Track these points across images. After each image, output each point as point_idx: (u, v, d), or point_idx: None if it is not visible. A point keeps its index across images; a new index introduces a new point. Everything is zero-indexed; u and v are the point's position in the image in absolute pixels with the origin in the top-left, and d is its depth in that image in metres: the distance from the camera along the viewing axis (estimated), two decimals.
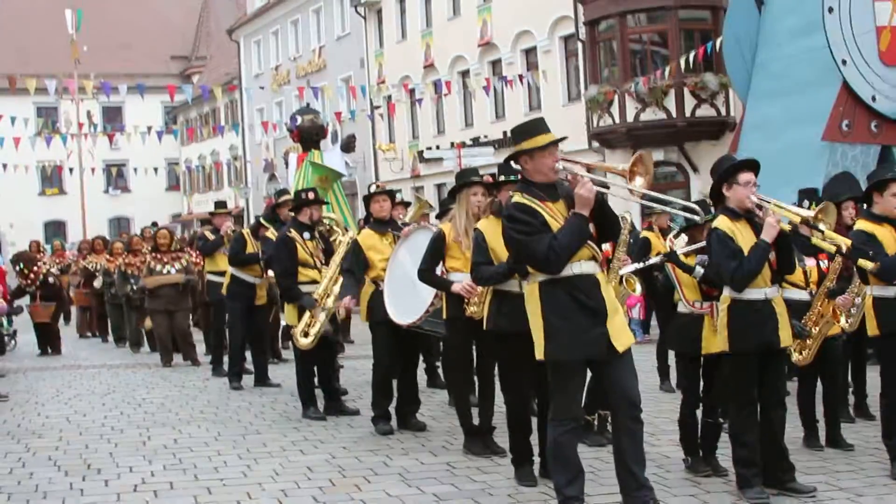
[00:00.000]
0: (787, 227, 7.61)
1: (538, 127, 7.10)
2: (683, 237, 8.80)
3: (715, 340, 8.26)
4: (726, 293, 7.83)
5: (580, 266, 6.95)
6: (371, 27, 43.81)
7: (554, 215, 6.97)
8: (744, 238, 7.65)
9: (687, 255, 8.56)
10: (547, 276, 6.94)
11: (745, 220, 7.75)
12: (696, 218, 8.02)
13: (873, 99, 15.95)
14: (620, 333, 7.04)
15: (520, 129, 7.17)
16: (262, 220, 15.00)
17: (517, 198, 7.06)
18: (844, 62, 15.78)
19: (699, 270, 8.33)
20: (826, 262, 9.41)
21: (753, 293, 7.69)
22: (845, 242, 8.05)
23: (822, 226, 7.60)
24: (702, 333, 8.45)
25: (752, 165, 7.81)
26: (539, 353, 7.06)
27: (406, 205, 14.51)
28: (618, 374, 7.06)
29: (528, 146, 7.03)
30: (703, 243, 8.35)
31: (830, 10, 15.68)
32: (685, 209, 7.99)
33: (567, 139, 7.52)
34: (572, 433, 7.13)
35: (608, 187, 7.07)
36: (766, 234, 7.57)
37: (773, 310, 7.76)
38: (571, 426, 7.11)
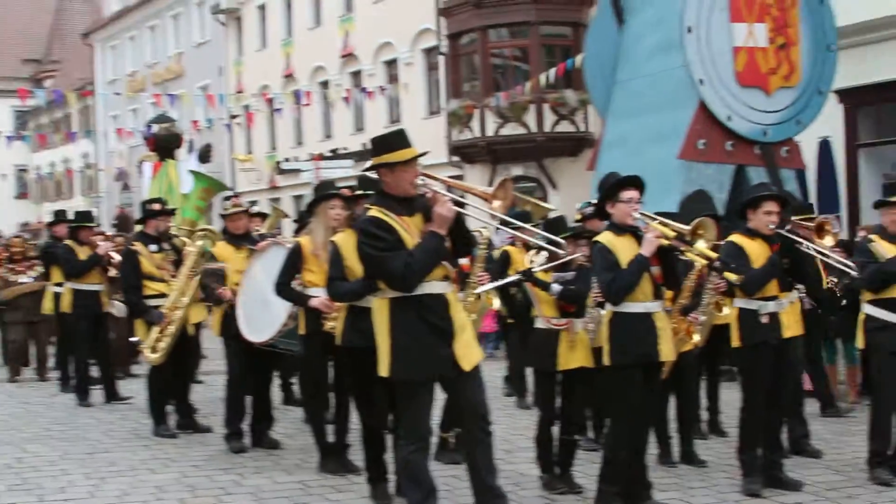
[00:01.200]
0: (667, 242, 7.64)
1: (400, 140, 6.98)
2: (544, 253, 8.76)
3: (572, 356, 8.37)
4: (608, 307, 7.89)
5: (431, 286, 6.88)
6: (231, 35, 43.34)
7: (409, 231, 6.87)
8: (625, 253, 7.71)
9: (546, 271, 8.54)
10: (398, 293, 6.85)
11: (630, 235, 7.82)
12: (560, 251, 7.98)
13: (729, 118, 16.18)
14: (468, 352, 6.98)
15: (381, 140, 7.04)
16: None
17: (373, 211, 6.93)
18: (702, 81, 15.97)
19: (555, 288, 8.34)
20: None
21: (633, 307, 7.74)
22: (712, 257, 8.15)
23: (700, 242, 7.67)
24: (558, 349, 8.44)
25: (636, 183, 7.88)
26: (384, 371, 6.97)
27: (263, 216, 14.31)
28: (466, 390, 7.01)
29: (389, 159, 6.91)
30: (563, 260, 8.36)
31: (689, 29, 15.86)
32: (549, 242, 7.96)
33: (428, 153, 7.41)
34: (421, 452, 7.05)
35: (464, 206, 7.01)
36: (644, 249, 7.65)
37: (654, 324, 7.81)
38: (420, 445, 7.02)
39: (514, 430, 11.09)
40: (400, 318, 6.86)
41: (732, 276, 8.41)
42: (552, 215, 8.93)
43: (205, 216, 15.46)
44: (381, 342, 6.98)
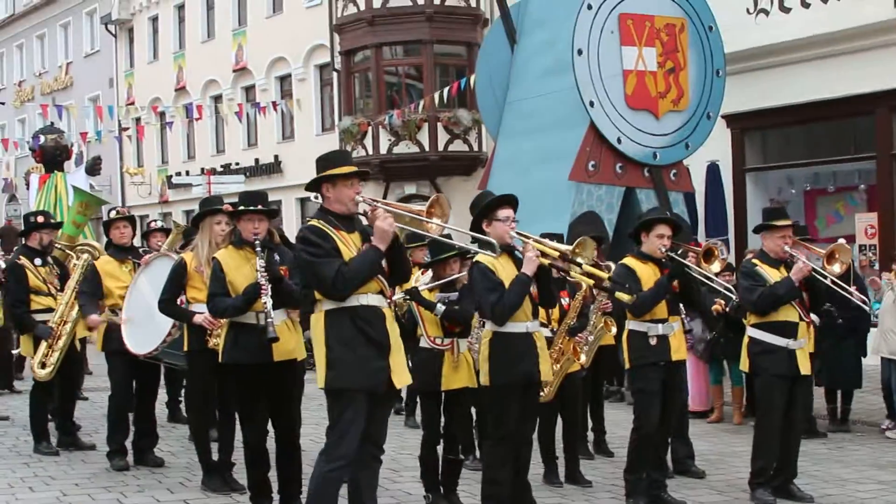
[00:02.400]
0: (546, 262, 7.66)
1: (342, 158, 7.18)
2: (429, 273, 8.77)
3: (455, 377, 8.40)
4: (488, 327, 7.88)
5: (367, 298, 6.90)
6: (122, 46, 42.70)
7: (347, 244, 6.92)
8: (505, 272, 7.71)
9: (431, 290, 8.53)
10: (334, 304, 6.85)
11: (507, 254, 7.81)
12: (492, 254, 7.93)
13: (619, 141, 16.33)
14: (401, 371, 7.03)
15: (324, 157, 7.13)
16: None
17: (313, 222, 7.01)
18: (592, 104, 16.10)
19: (440, 308, 8.34)
20: (567, 299, 9.53)
21: (515, 326, 7.75)
22: (601, 275, 8.20)
23: (580, 260, 7.69)
24: (442, 369, 8.45)
25: (511, 201, 7.89)
26: (320, 382, 6.95)
27: (167, 232, 14.12)
28: (377, 413, 7.03)
29: (331, 172, 6.98)
30: (447, 279, 8.38)
31: (580, 51, 15.99)
32: (482, 244, 7.95)
33: (368, 173, 7.48)
34: (340, 472, 6.95)
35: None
36: (526, 268, 7.64)
37: (534, 343, 7.83)
38: (341, 464, 6.89)
39: (401, 449, 11.06)
40: (336, 329, 6.86)
41: (625, 297, 8.48)
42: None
43: (84, 231, 15.18)
44: (317, 355, 6.97)
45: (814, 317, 10.03)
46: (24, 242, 11.39)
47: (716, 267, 9.03)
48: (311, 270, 6.89)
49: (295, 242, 7.16)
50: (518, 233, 7.81)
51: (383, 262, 6.92)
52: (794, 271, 8.86)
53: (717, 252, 9.12)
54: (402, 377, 7.02)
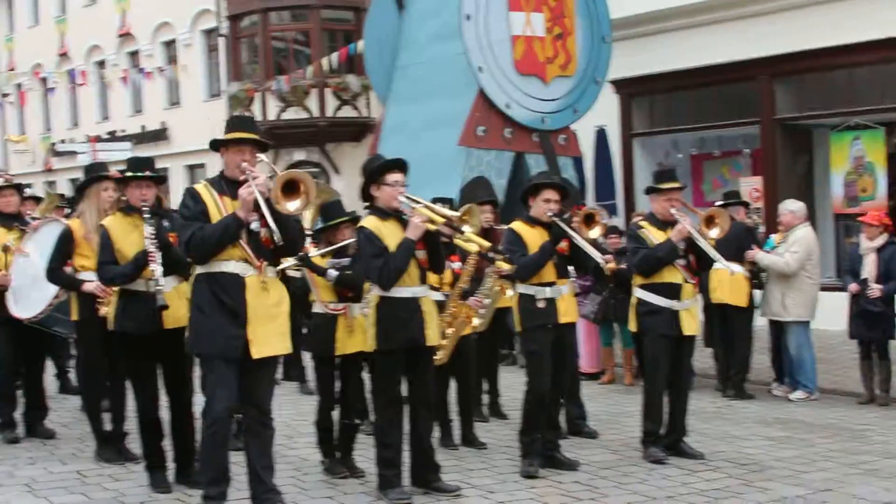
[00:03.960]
0: (433, 227, 7.69)
1: (240, 124, 7.21)
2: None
3: (350, 341, 8.43)
4: (375, 291, 7.87)
5: (227, 265, 6.96)
6: (1, 10, 41.69)
7: (223, 210, 6.97)
8: (393, 237, 7.70)
9: (324, 256, 8.52)
10: (201, 269, 6.97)
11: (395, 219, 7.81)
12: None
13: (507, 106, 16.41)
14: (264, 341, 7.03)
15: (228, 120, 7.28)
16: None
17: (198, 185, 7.14)
18: (481, 69, 16.15)
19: (332, 273, 8.35)
20: (458, 263, 9.57)
21: (401, 291, 7.76)
22: (483, 245, 8.25)
23: (465, 227, 7.73)
24: (336, 334, 8.47)
25: (401, 166, 7.90)
26: (186, 346, 7.16)
27: (37, 200, 13.88)
28: (253, 380, 7.09)
29: (223, 137, 7.09)
30: (338, 245, 8.39)
31: (468, 17, 16.00)
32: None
33: (270, 145, 7.44)
34: (215, 431, 7.03)
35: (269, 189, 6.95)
36: (410, 233, 7.65)
37: (420, 308, 7.84)
38: (215, 425, 7.01)
39: (296, 415, 11.05)
40: (197, 294, 7.02)
41: (504, 266, 8.58)
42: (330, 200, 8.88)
43: None
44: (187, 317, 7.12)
45: (736, 267, 10.24)
46: None
47: (596, 231, 9.10)
48: (179, 230, 7.14)
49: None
50: (409, 197, 7.80)
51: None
52: (673, 233, 9.05)
53: (598, 217, 9.23)
54: (262, 348, 7.02)
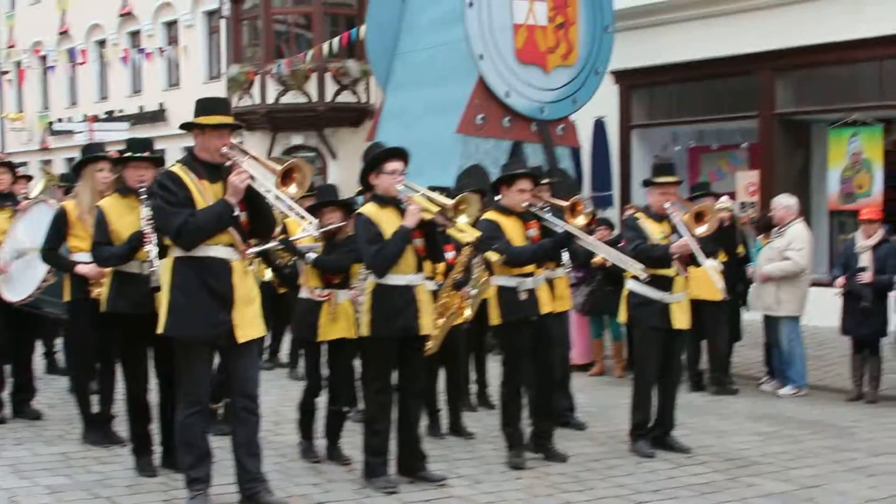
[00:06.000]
0: (430, 216, 7.67)
1: (218, 106, 7.13)
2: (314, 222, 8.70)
3: (332, 328, 8.43)
4: (370, 278, 7.86)
5: (216, 249, 6.93)
6: None
7: (204, 194, 6.92)
8: (390, 225, 7.70)
9: (317, 239, 8.49)
10: (182, 252, 6.90)
11: (393, 207, 7.80)
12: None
13: (507, 95, 16.39)
14: (248, 325, 7.04)
15: (201, 102, 7.14)
16: None
17: (175, 168, 7.01)
18: (482, 57, 16.12)
19: (310, 256, 8.37)
20: (453, 253, 9.54)
21: (396, 279, 7.75)
22: (476, 235, 8.21)
23: (462, 217, 7.71)
24: (319, 320, 8.47)
25: (401, 154, 7.88)
26: (160, 328, 7.01)
27: (29, 178, 13.84)
28: (238, 365, 7.10)
29: (201, 121, 6.99)
30: (328, 228, 8.43)
31: (471, 4, 15.96)
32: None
33: (242, 127, 7.40)
34: (197, 416, 7.06)
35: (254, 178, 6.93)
36: (407, 221, 7.65)
37: (415, 297, 7.83)
38: (196, 409, 7.04)
39: (284, 400, 11.02)
40: (180, 277, 6.93)
41: (493, 256, 8.55)
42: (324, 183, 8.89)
43: None
44: (162, 301, 7.03)
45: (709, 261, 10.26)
46: None
47: (580, 221, 9.01)
48: (161, 216, 6.99)
49: (155, 188, 7.14)
50: (406, 185, 7.79)
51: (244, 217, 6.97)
52: (674, 247, 8.99)
53: (582, 206, 9.16)
54: (247, 331, 7.02)
